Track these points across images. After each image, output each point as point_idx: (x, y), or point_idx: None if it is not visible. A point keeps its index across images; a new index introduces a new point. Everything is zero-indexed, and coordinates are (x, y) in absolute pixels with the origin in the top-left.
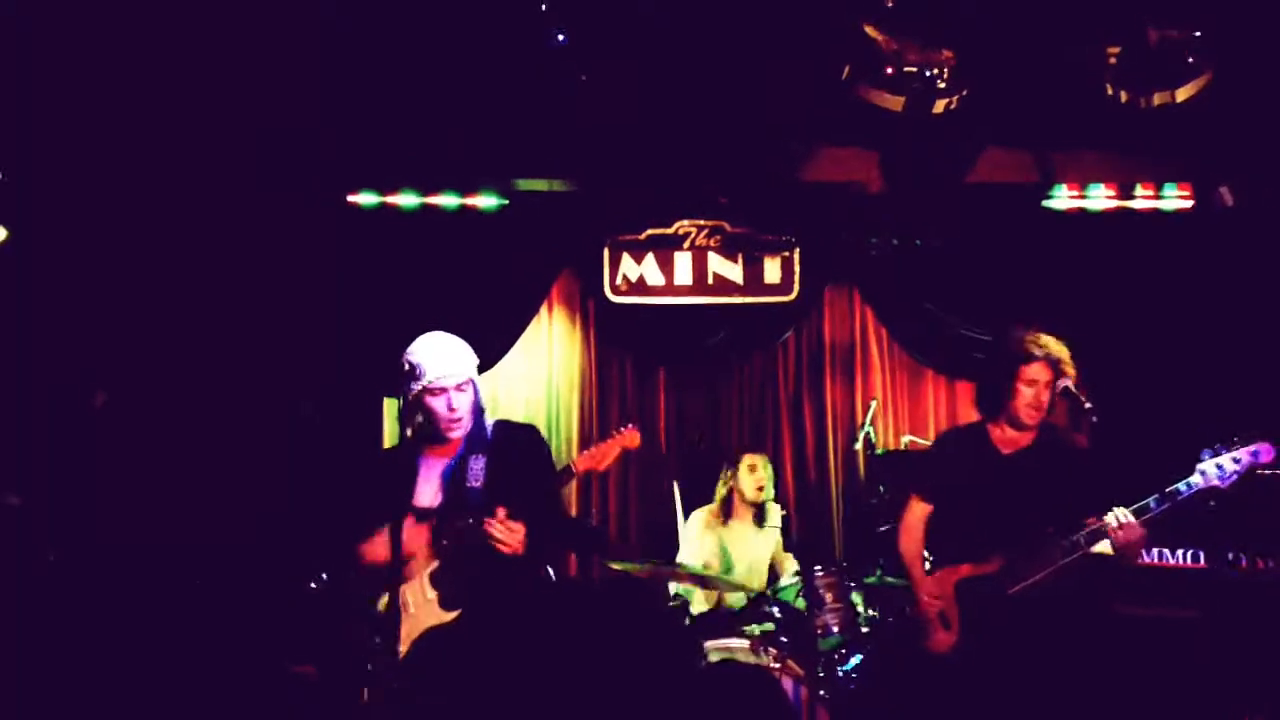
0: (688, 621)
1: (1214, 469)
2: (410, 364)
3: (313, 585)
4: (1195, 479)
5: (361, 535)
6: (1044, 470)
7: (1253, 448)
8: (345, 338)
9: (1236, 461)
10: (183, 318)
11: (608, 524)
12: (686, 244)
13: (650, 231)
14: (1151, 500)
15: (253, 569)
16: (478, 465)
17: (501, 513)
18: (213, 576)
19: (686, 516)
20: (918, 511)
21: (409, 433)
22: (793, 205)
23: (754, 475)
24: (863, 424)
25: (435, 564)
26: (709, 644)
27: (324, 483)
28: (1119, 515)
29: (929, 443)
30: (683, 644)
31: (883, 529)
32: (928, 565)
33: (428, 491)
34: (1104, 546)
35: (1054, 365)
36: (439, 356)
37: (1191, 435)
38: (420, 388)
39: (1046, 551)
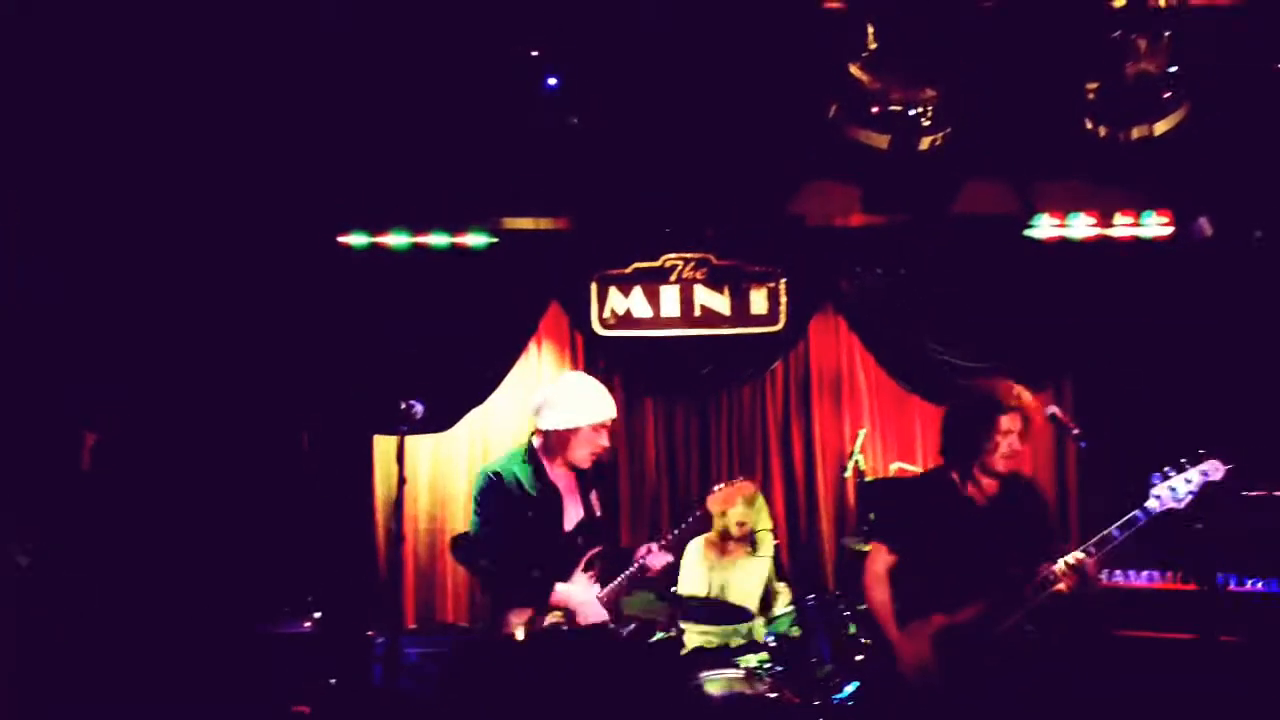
0: (682, 654)
1: (1167, 491)
2: (577, 401)
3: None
4: (1151, 504)
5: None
6: (1015, 517)
7: (1203, 466)
8: (336, 376)
9: (1189, 482)
10: (174, 358)
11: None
12: (673, 277)
13: (637, 265)
14: (1114, 529)
15: (243, 606)
16: (592, 496)
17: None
18: (204, 614)
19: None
20: (882, 563)
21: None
22: (778, 237)
23: (736, 511)
24: (851, 452)
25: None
26: (704, 674)
27: (318, 518)
28: (1067, 561)
29: (917, 469)
30: (678, 678)
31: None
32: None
33: (572, 516)
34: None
35: (1024, 416)
36: (606, 396)
37: (1172, 460)
38: (593, 422)
39: (1017, 595)
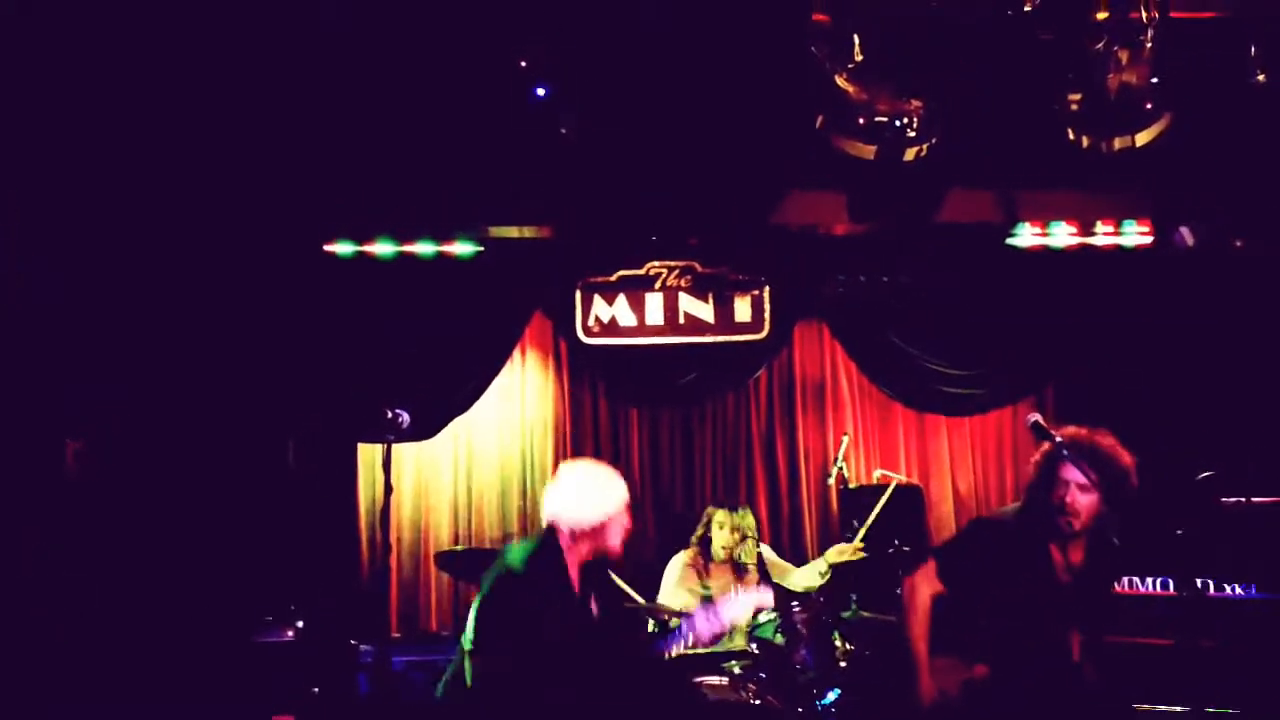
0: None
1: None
2: (601, 489)
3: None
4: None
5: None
6: (1093, 587)
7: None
8: (322, 384)
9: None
10: (160, 366)
11: None
12: (658, 284)
13: (622, 273)
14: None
15: (226, 614)
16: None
17: None
18: (187, 622)
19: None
20: (927, 591)
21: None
22: (763, 245)
23: (721, 534)
24: (835, 459)
25: None
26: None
27: (302, 527)
28: None
29: (900, 477)
30: (671, 680)
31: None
32: None
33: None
34: None
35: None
36: (616, 475)
37: (1158, 467)
38: (622, 504)
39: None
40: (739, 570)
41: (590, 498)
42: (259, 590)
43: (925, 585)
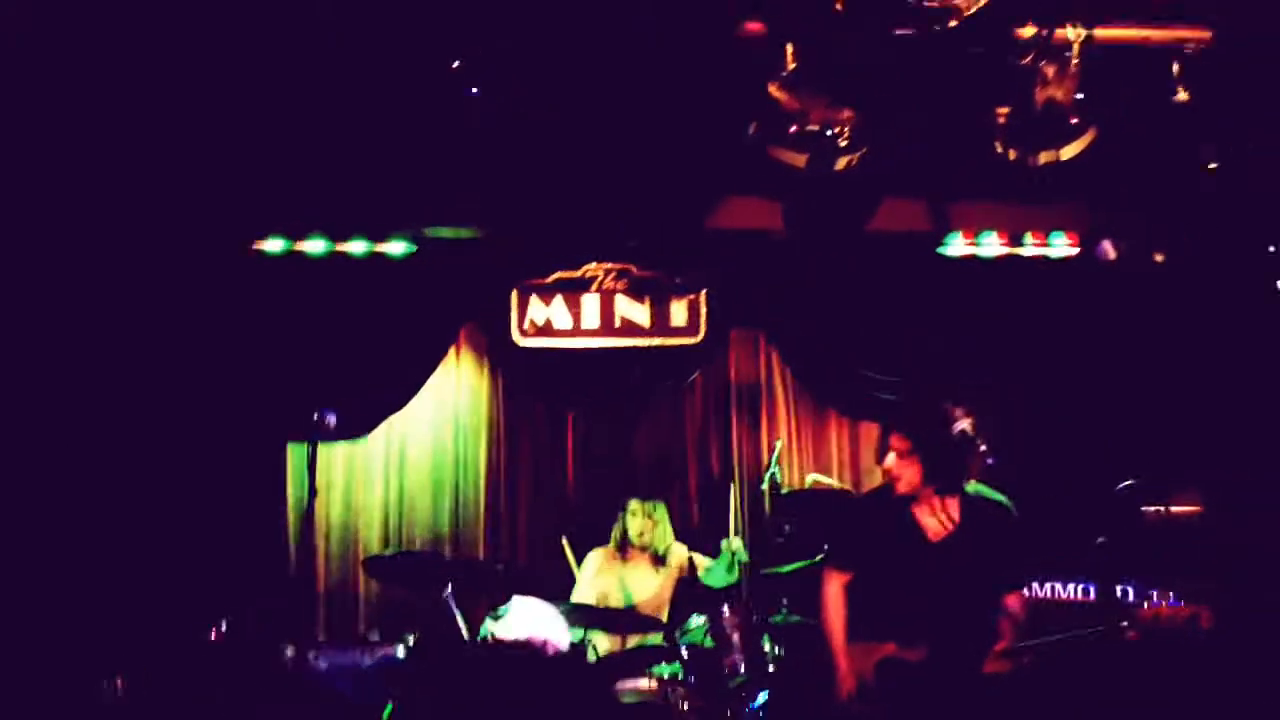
0: (592, 660)
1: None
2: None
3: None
4: None
5: None
6: (974, 551)
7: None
8: (251, 384)
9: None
10: (82, 365)
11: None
12: (594, 286)
13: (558, 274)
14: None
15: (149, 616)
16: None
17: None
18: (109, 624)
19: (580, 563)
20: (835, 580)
21: None
22: (699, 249)
23: (635, 520)
24: (768, 464)
25: None
26: (617, 685)
27: (226, 528)
28: None
29: (834, 482)
30: (592, 684)
31: (788, 569)
32: None
33: None
34: None
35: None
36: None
37: (1079, 477)
38: None
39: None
40: (656, 559)
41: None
42: (183, 592)
43: (832, 576)
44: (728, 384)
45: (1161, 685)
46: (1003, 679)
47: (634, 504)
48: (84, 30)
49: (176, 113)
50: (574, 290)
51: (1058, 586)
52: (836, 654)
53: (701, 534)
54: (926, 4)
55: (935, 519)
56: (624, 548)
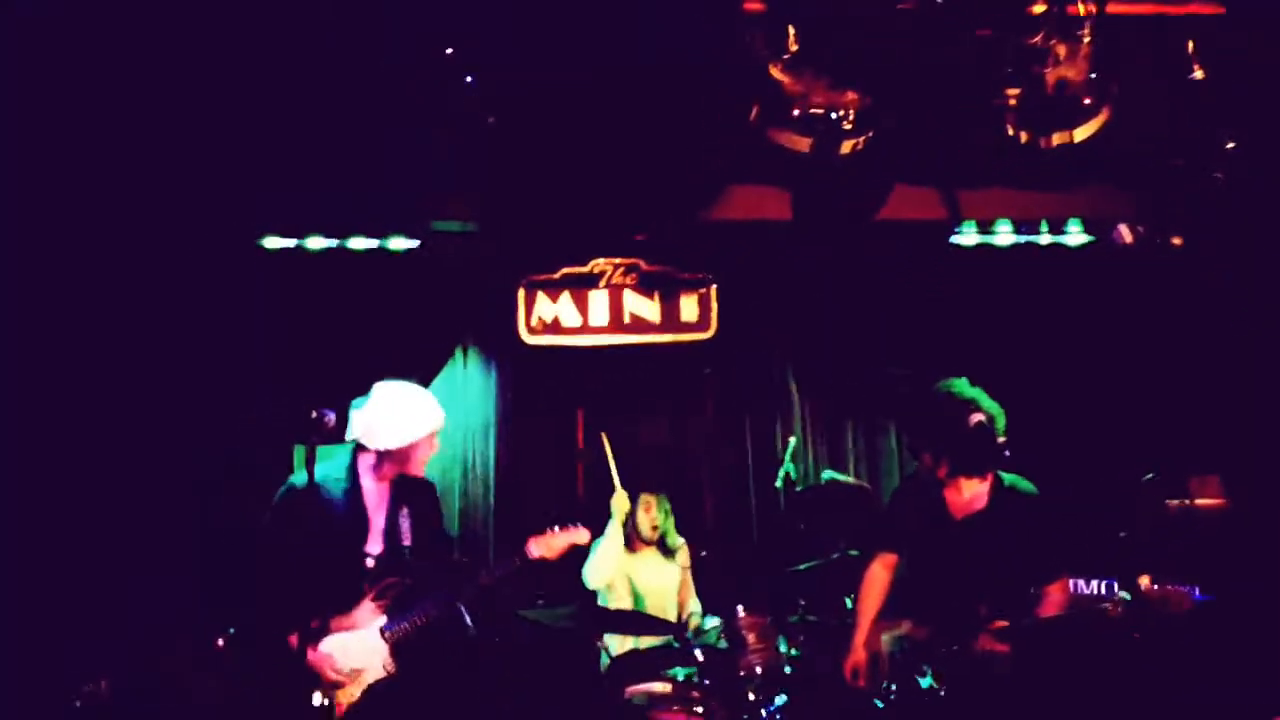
0: (606, 662)
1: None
2: (413, 412)
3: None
4: None
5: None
6: (999, 536)
7: None
8: (257, 383)
9: None
10: (90, 364)
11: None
12: (602, 282)
13: (565, 270)
14: None
15: (154, 620)
16: (403, 521)
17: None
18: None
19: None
20: (880, 562)
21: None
22: (709, 242)
23: (648, 515)
24: (782, 461)
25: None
26: (631, 689)
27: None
28: None
29: (848, 478)
30: (602, 689)
31: (804, 567)
32: None
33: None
34: None
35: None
36: (432, 398)
37: (1098, 466)
38: (433, 430)
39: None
40: (666, 551)
41: (396, 419)
42: (189, 595)
43: (879, 559)
44: (739, 379)
45: (1158, 663)
46: (1001, 658)
47: (646, 497)
48: (89, 29)
49: (178, 110)
50: (582, 286)
51: (1079, 583)
52: (858, 628)
53: (714, 531)
54: None
55: (962, 499)
56: (630, 540)
